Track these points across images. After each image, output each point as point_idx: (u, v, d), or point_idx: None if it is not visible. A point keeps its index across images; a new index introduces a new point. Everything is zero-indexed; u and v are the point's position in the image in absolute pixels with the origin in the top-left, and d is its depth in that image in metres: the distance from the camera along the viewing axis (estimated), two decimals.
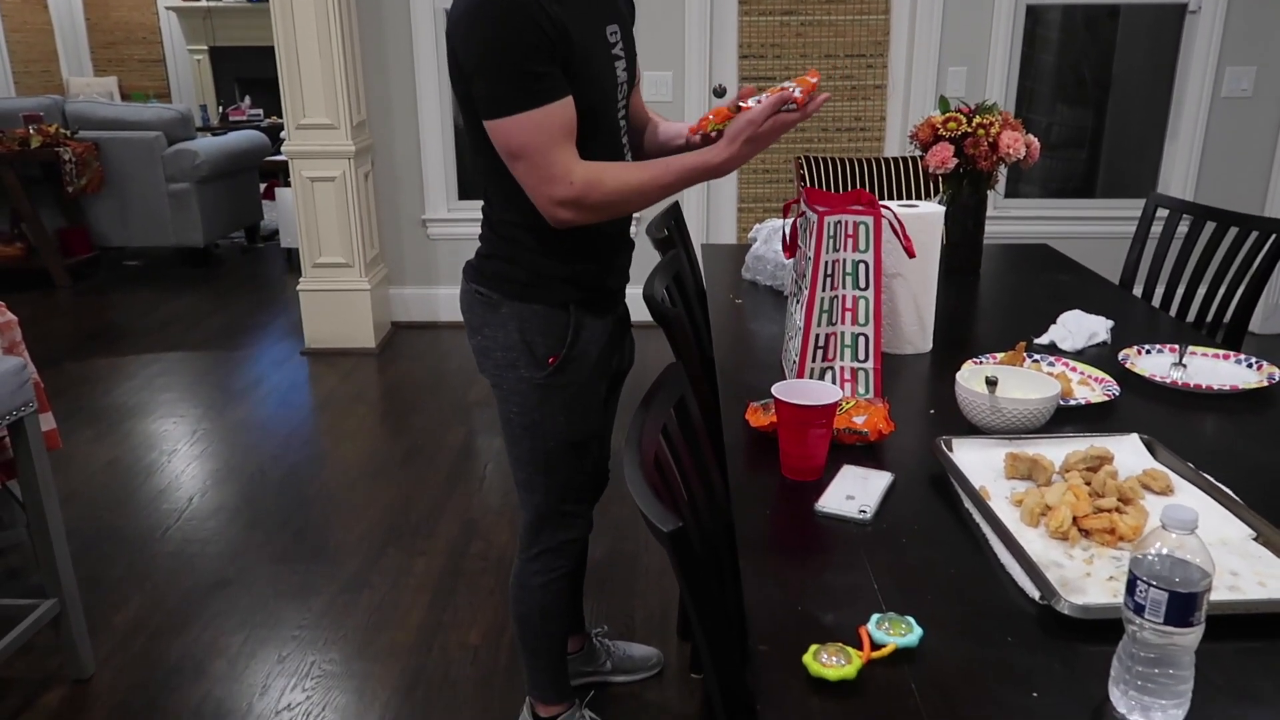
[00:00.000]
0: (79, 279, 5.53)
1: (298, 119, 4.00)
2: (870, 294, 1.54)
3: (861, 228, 1.51)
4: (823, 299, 1.53)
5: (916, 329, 1.80)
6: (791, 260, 1.76)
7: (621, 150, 1.57)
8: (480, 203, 1.62)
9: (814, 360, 1.56)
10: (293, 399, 3.78)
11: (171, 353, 4.32)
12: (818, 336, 1.55)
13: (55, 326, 4.74)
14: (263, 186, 6.63)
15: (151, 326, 4.72)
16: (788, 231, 1.72)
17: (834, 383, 1.53)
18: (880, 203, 1.57)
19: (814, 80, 1.47)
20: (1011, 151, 2.24)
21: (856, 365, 1.56)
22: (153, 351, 4.34)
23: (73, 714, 2.03)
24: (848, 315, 1.55)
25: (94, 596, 2.43)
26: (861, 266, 1.53)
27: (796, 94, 1.44)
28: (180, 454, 3.28)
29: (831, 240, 1.51)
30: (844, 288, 1.54)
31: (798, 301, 1.62)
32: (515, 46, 1.33)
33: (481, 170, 1.53)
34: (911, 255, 1.65)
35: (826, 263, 1.52)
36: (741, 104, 1.51)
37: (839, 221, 1.51)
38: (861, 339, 1.55)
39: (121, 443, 3.38)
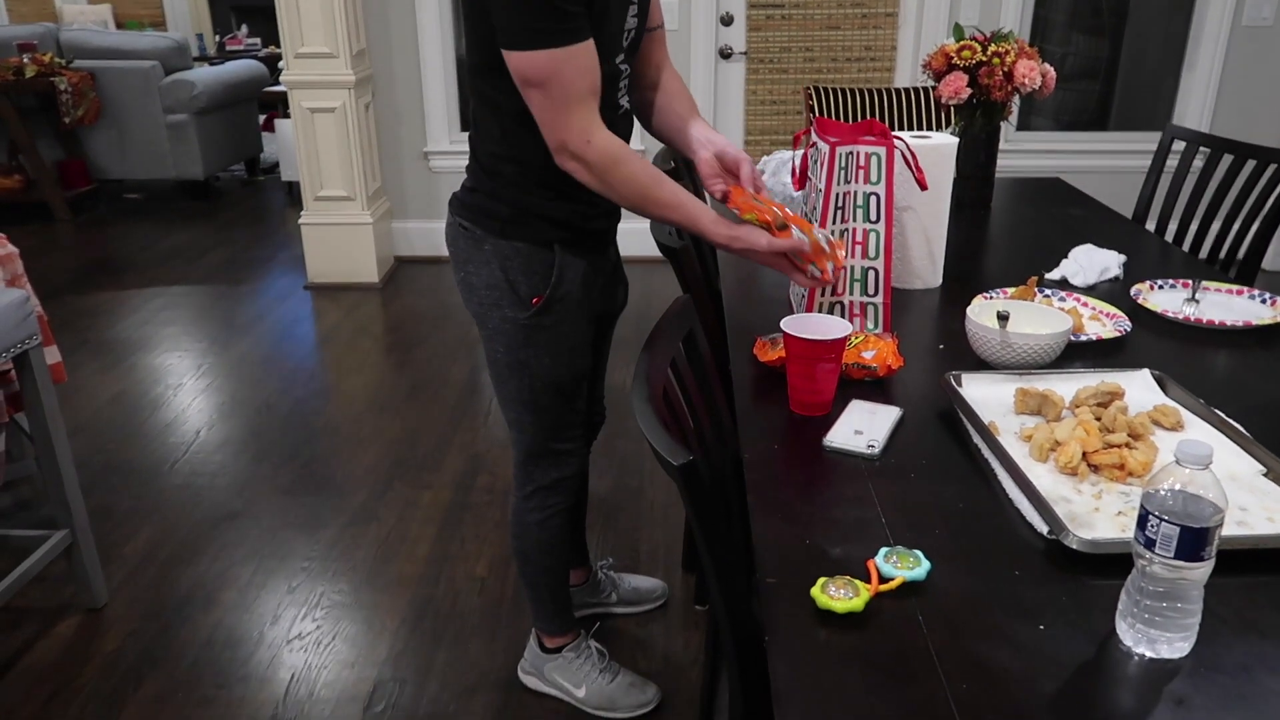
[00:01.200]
0: (79, 212, 5.49)
1: (296, 48, 3.91)
2: (881, 227, 1.52)
3: (874, 159, 1.49)
4: (833, 231, 1.51)
5: (927, 263, 1.78)
6: (800, 193, 1.73)
7: (616, 97, 1.50)
8: None
9: (823, 294, 1.54)
10: (297, 333, 3.77)
11: (174, 286, 4.31)
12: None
13: (56, 259, 4.72)
14: (262, 118, 6.53)
15: (153, 260, 4.69)
16: (798, 163, 1.69)
17: (843, 317, 1.52)
18: (892, 134, 1.54)
19: (837, 257, 1.39)
20: (1027, 81, 2.19)
21: (866, 300, 1.55)
22: (155, 285, 4.32)
23: (87, 642, 2.07)
24: (858, 249, 1.53)
25: (104, 528, 2.45)
26: (873, 199, 1.51)
27: (806, 246, 1.36)
28: (186, 388, 3.29)
29: (843, 172, 1.49)
30: (854, 220, 1.52)
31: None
32: None
33: (475, 97, 1.48)
34: (924, 187, 1.62)
35: (837, 195, 1.49)
36: (758, 193, 1.46)
37: (850, 153, 1.48)
38: (871, 273, 1.54)
39: (127, 376, 3.38)
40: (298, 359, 3.53)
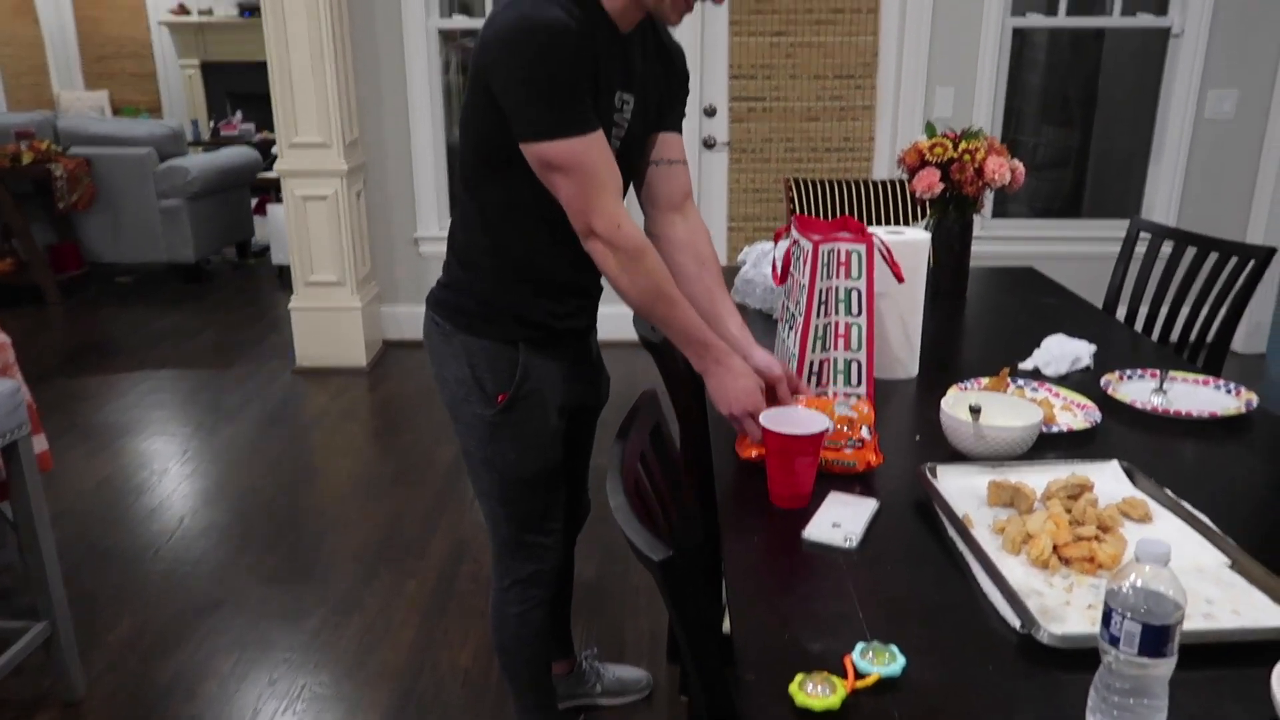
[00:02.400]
0: (70, 294, 5.53)
1: (290, 138, 4.02)
2: (863, 320, 1.57)
3: (854, 255, 1.54)
4: (817, 326, 1.56)
5: (904, 352, 1.83)
6: (783, 287, 1.79)
7: None
8: None
9: (808, 385, 1.58)
10: (283, 417, 3.79)
11: (163, 369, 4.33)
12: (812, 363, 1.58)
13: (46, 342, 4.74)
14: (254, 201, 6.64)
15: (143, 343, 4.72)
16: (779, 258, 1.75)
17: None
18: (869, 230, 1.60)
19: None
20: (996, 177, 2.27)
21: (849, 390, 1.59)
22: (144, 368, 4.34)
23: None
24: (840, 341, 1.58)
25: (85, 617, 2.43)
26: (854, 293, 1.56)
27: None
28: (171, 473, 3.28)
29: (825, 268, 1.54)
30: (837, 314, 1.57)
31: (790, 328, 1.65)
32: (562, 72, 1.32)
33: (462, 186, 1.51)
34: (900, 281, 1.68)
35: (820, 290, 1.55)
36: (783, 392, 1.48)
37: (832, 250, 1.54)
38: (854, 364, 1.58)
39: (112, 461, 3.38)
40: (284, 443, 3.53)
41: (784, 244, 1.72)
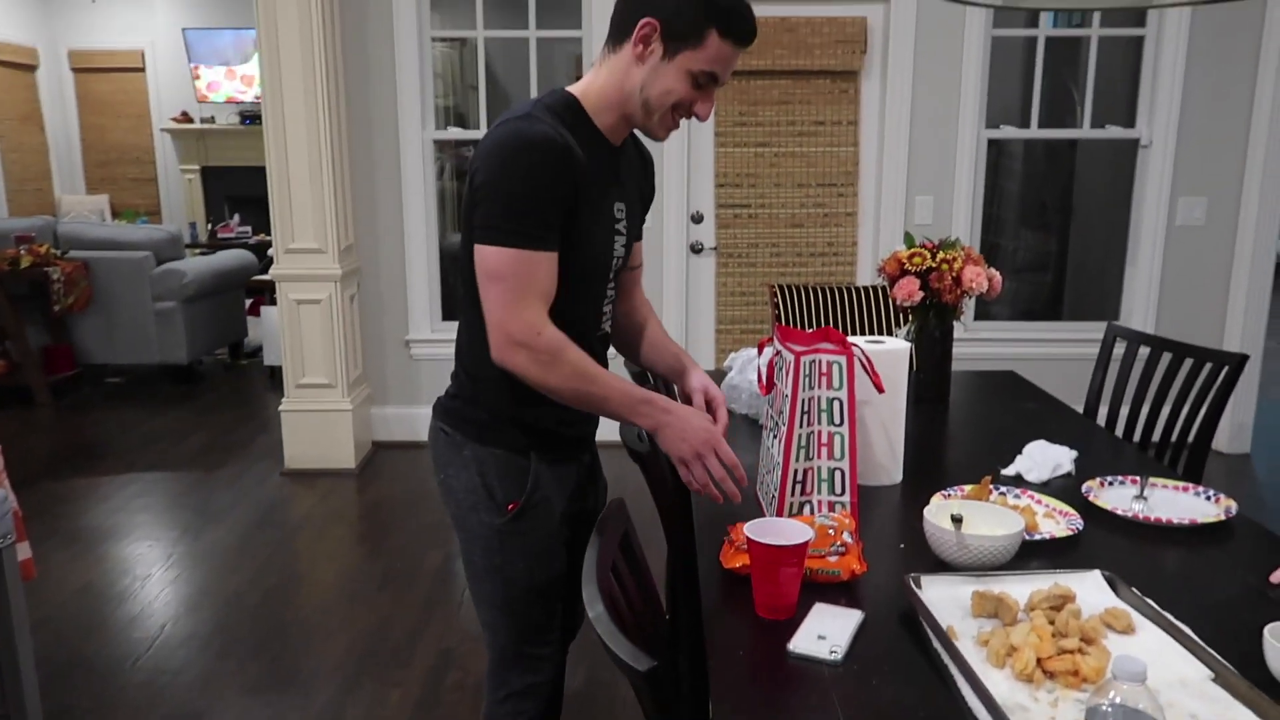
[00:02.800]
0: (60, 396, 5.54)
1: (286, 243, 4.10)
2: (845, 430, 1.59)
3: (835, 366, 1.58)
4: (800, 435, 1.58)
5: (888, 459, 1.85)
6: (768, 396, 1.82)
7: (600, 319, 1.61)
8: None
9: (793, 495, 1.60)
10: (270, 521, 3.76)
11: (150, 472, 4.31)
12: (796, 472, 1.59)
13: (34, 445, 4.73)
14: (248, 302, 6.72)
15: (131, 445, 4.71)
16: (764, 367, 1.79)
17: (812, 515, 1.57)
18: (849, 340, 1.65)
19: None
20: (974, 285, 2.34)
21: (834, 499, 1.60)
22: (131, 471, 4.32)
23: None
24: (824, 450, 1.60)
25: None
26: (836, 403, 1.59)
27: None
28: (154, 579, 3.24)
29: (807, 379, 1.58)
30: (820, 424, 1.59)
31: (775, 437, 1.67)
32: (532, 187, 1.38)
33: (464, 298, 1.55)
34: (881, 391, 1.72)
35: (803, 400, 1.58)
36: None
37: (813, 360, 1.58)
38: (838, 473, 1.60)
39: (95, 566, 3.34)
40: (270, 547, 3.50)
41: (769, 352, 1.76)
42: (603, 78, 1.49)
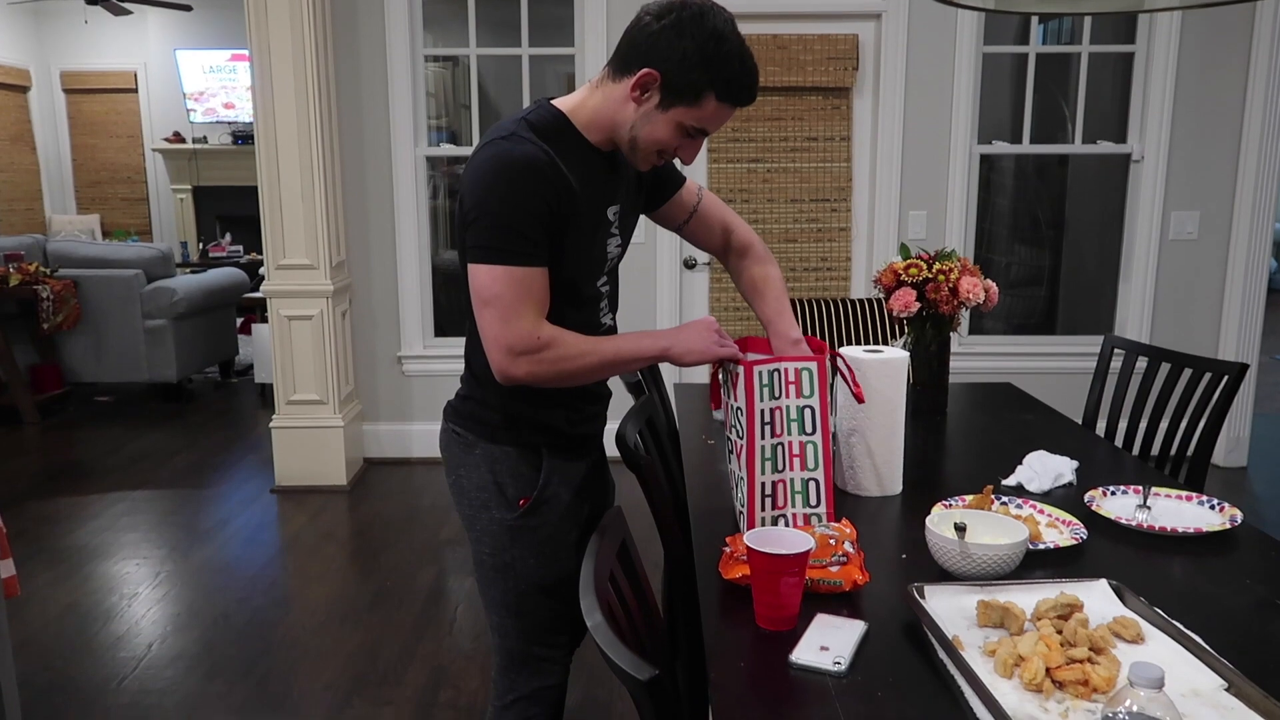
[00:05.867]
0: (48, 415, 5.48)
1: (278, 260, 4.08)
2: (818, 438, 1.54)
3: (804, 374, 1.53)
4: (763, 447, 1.53)
5: (887, 470, 1.82)
6: (718, 412, 1.76)
7: (599, 319, 1.62)
8: (461, 340, 1.66)
9: (764, 509, 1.55)
10: (260, 539, 3.71)
11: (138, 491, 4.26)
12: (764, 485, 1.54)
13: (20, 464, 4.67)
14: (239, 321, 6.67)
15: (119, 464, 4.66)
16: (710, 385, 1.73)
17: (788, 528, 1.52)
18: (844, 348, 1.62)
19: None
20: (971, 296, 2.32)
21: (809, 511, 1.56)
22: (119, 489, 4.27)
23: None
24: (795, 461, 1.54)
25: None
26: (807, 412, 1.53)
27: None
28: (141, 598, 3.19)
29: (767, 389, 1.52)
30: (789, 434, 1.53)
31: (731, 451, 1.63)
32: (518, 207, 1.40)
33: (467, 314, 1.56)
34: (860, 401, 1.69)
35: (763, 410, 1.52)
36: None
37: (775, 370, 1.52)
38: (812, 483, 1.55)
39: (81, 586, 3.28)
40: (259, 566, 3.45)
41: (708, 369, 1.68)
42: (597, 100, 1.50)
